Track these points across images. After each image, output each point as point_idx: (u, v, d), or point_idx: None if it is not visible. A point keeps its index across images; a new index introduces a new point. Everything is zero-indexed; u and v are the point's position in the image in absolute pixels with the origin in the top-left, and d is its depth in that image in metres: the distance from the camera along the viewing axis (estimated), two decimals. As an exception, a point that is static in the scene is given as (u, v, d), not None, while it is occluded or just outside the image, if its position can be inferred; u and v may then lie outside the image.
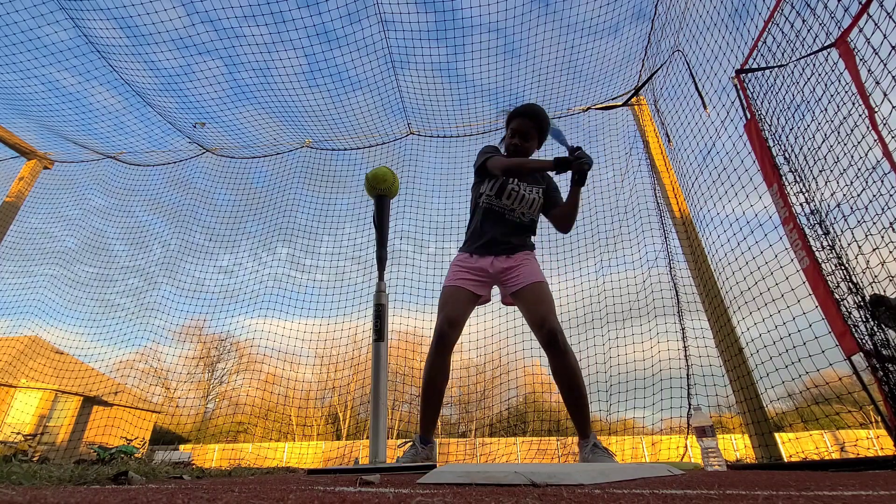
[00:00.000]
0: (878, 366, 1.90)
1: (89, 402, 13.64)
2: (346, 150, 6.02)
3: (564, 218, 2.13)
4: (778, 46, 2.62)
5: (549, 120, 2.18)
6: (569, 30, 4.46)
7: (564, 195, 2.19)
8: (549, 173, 2.26)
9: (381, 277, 2.10)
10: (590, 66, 4.79)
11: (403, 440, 2.03)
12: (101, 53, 4.57)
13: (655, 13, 4.24)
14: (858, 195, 2.10)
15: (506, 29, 4.39)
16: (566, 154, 1.95)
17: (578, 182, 1.93)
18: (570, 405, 1.91)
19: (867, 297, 1.94)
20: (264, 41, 4.57)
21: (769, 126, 2.68)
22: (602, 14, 4.28)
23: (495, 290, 2.26)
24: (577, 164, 1.85)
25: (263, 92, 5.19)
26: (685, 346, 3.82)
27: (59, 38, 4.40)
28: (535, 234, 2.24)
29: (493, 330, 4.71)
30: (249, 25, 4.42)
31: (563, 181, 2.31)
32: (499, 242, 2.11)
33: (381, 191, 2.19)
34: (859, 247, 2.07)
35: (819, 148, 2.33)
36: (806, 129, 2.44)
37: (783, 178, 2.46)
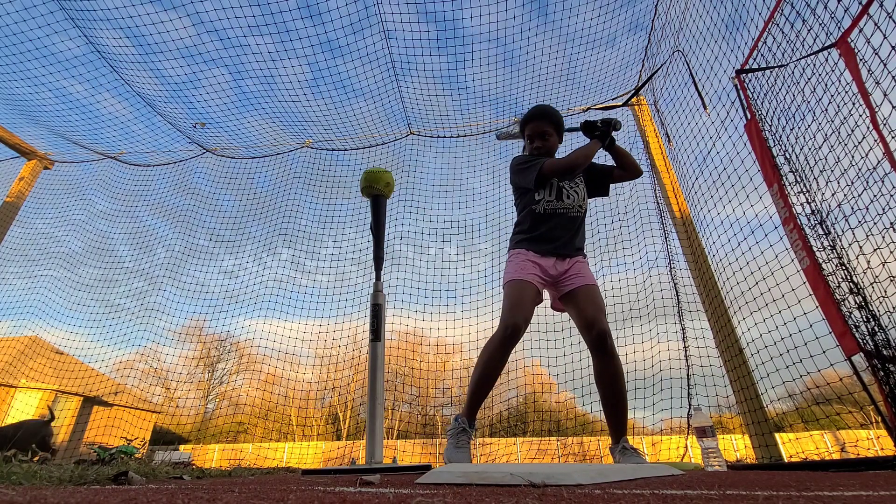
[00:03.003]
0: (878, 366, 1.90)
1: (89, 402, 13.63)
2: (346, 150, 6.03)
3: (628, 168, 2.26)
4: (778, 47, 2.62)
5: (559, 114, 2.27)
6: (567, 39, 4.55)
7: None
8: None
9: (378, 277, 2.10)
10: (588, 76, 4.89)
11: (452, 427, 1.87)
12: (109, 62, 4.66)
13: (655, 13, 4.24)
14: (859, 195, 2.10)
15: (505, 38, 4.49)
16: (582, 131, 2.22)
17: (612, 144, 2.20)
18: (610, 408, 1.88)
19: None
20: (269, 51, 4.67)
21: (769, 126, 2.68)
22: (600, 24, 4.35)
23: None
24: (612, 128, 2.15)
25: (267, 100, 5.28)
26: (685, 347, 3.81)
27: (67, 46, 4.51)
28: None
29: (494, 330, 4.71)
30: (254, 35, 4.51)
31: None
32: (566, 246, 2.09)
33: (377, 190, 2.20)
34: (860, 247, 2.07)
35: (819, 148, 2.33)
36: (806, 129, 2.44)
37: (783, 178, 2.46)
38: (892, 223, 1.93)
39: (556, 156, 2.31)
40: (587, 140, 2.20)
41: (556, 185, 2.14)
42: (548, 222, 2.11)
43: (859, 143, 2.09)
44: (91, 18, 4.18)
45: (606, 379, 1.87)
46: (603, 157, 2.38)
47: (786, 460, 2.83)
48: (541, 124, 2.22)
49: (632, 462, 1.73)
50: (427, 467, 1.61)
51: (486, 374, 1.89)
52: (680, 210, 4.06)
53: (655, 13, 4.24)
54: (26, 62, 4.58)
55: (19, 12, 4.14)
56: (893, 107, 1.84)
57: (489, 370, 1.90)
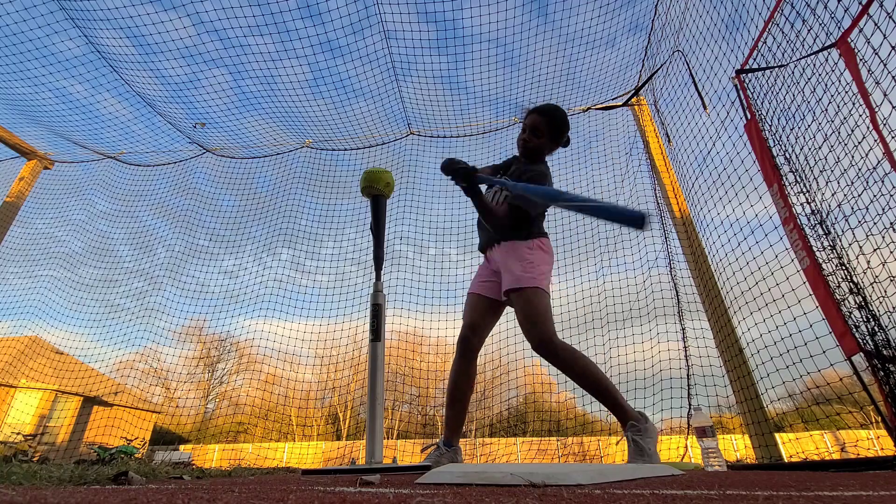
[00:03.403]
0: (878, 366, 1.90)
1: (89, 402, 13.64)
2: (346, 150, 6.03)
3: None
4: (778, 47, 2.62)
5: (562, 119, 2.12)
6: (567, 40, 4.57)
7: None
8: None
9: (378, 277, 2.10)
10: (588, 76, 4.92)
11: (429, 443, 1.99)
12: (109, 62, 4.67)
13: (655, 13, 4.24)
14: (859, 195, 2.10)
15: (505, 39, 4.50)
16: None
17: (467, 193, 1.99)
18: (594, 398, 1.87)
19: None
20: (269, 51, 4.69)
21: (769, 126, 2.68)
22: (600, 24, 4.36)
23: None
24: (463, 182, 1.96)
25: (267, 100, 5.30)
26: (685, 347, 3.81)
27: (67, 46, 4.52)
28: (525, 221, 2.01)
29: (494, 330, 4.71)
30: (254, 35, 4.52)
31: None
32: (485, 241, 2.13)
33: (377, 190, 2.20)
34: (860, 247, 2.07)
35: (819, 148, 2.33)
36: (806, 129, 2.44)
37: (783, 178, 2.46)
38: (892, 223, 1.93)
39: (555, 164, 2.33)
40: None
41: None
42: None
43: (859, 143, 2.09)
44: (91, 18, 4.19)
45: (571, 378, 1.85)
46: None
47: (786, 460, 2.83)
48: (538, 120, 2.11)
49: (633, 458, 1.72)
50: (427, 467, 1.61)
51: (449, 389, 1.98)
52: (680, 210, 4.06)
53: (655, 13, 4.24)
54: (26, 62, 4.59)
55: (19, 12, 4.14)
56: (893, 107, 1.84)
57: (451, 383, 1.99)
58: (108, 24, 4.25)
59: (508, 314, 2.13)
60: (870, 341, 1.96)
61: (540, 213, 2.07)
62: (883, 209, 1.98)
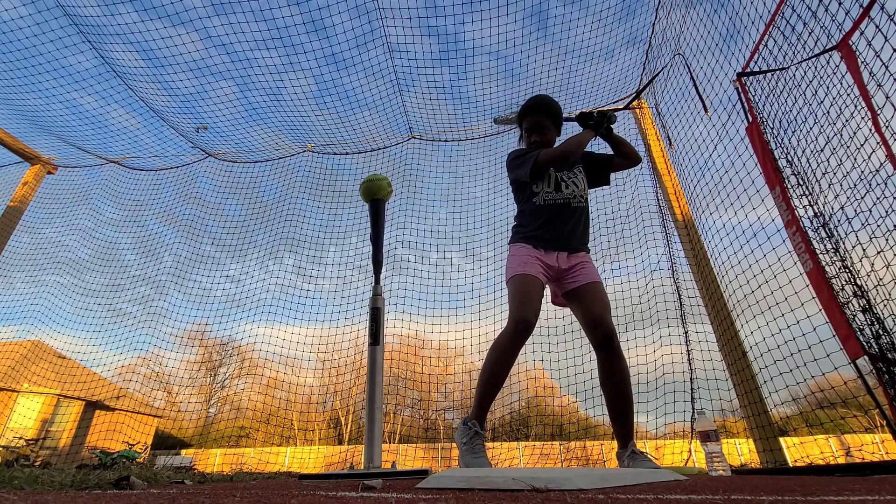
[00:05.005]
0: (883, 369, 1.89)
1: (91, 406, 13.64)
2: (348, 153, 6.05)
3: (627, 156, 2.23)
4: (780, 50, 2.62)
5: (558, 105, 2.25)
6: (567, 51, 4.65)
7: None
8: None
9: (377, 280, 2.10)
10: (588, 87, 4.98)
11: (462, 431, 1.80)
12: (118, 74, 4.76)
13: (656, 17, 4.26)
14: (862, 198, 2.09)
15: (506, 52, 4.61)
16: (575, 123, 2.25)
17: (609, 133, 2.21)
18: (615, 411, 1.83)
19: None
20: (275, 65, 4.80)
21: (771, 129, 2.68)
22: (599, 37, 4.45)
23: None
24: (606, 121, 2.17)
25: (273, 111, 5.40)
26: (689, 351, 3.80)
27: (77, 59, 4.61)
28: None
29: (496, 334, 4.72)
30: (261, 50, 4.63)
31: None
32: (570, 239, 2.04)
33: (375, 194, 2.21)
34: (863, 250, 2.06)
35: (822, 150, 2.32)
36: (808, 131, 2.43)
37: (786, 180, 2.46)
38: (895, 225, 1.92)
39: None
40: (581, 129, 2.20)
41: (553, 176, 2.10)
42: (548, 214, 2.06)
43: (861, 145, 2.09)
44: (102, 34, 4.28)
45: (613, 380, 1.82)
46: (599, 147, 2.38)
47: (790, 465, 2.81)
48: (539, 119, 2.18)
49: (643, 468, 1.69)
50: (425, 472, 1.60)
51: (497, 373, 1.84)
52: (682, 213, 4.05)
53: (656, 16, 4.26)
54: (39, 74, 4.68)
55: (31, 27, 4.23)
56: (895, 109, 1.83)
57: (499, 369, 1.85)
58: (118, 39, 4.37)
59: (498, 322, 2.07)
60: (874, 344, 1.95)
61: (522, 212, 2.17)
62: (886, 212, 1.97)
